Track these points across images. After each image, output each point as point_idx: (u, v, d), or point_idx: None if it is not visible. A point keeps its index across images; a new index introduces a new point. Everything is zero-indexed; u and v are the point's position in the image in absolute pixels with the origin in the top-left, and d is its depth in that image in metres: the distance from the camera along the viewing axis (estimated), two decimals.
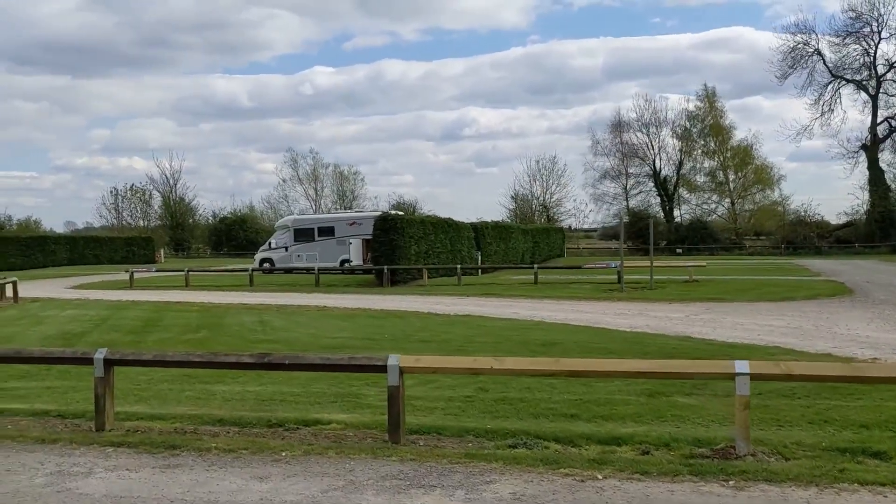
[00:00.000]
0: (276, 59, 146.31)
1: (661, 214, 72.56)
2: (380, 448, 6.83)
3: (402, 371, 7.17)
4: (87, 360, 7.63)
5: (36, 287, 30.50)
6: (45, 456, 6.57)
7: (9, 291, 24.13)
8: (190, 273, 32.88)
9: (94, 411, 7.56)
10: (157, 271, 39.52)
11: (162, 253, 67.24)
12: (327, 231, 40.83)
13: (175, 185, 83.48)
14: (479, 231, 40.73)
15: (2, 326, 16.86)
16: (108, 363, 7.59)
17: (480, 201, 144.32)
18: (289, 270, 39.59)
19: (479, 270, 37.11)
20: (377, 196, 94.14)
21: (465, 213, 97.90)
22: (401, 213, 39.95)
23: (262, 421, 8.04)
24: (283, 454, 6.64)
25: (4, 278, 24.67)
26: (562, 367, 6.85)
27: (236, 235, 76.72)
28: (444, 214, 41.75)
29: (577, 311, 19.86)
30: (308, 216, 52.43)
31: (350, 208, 74.65)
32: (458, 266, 32.48)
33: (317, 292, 28.39)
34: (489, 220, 48.77)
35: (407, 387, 7.55)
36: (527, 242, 49.43)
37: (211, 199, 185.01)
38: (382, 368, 7.23)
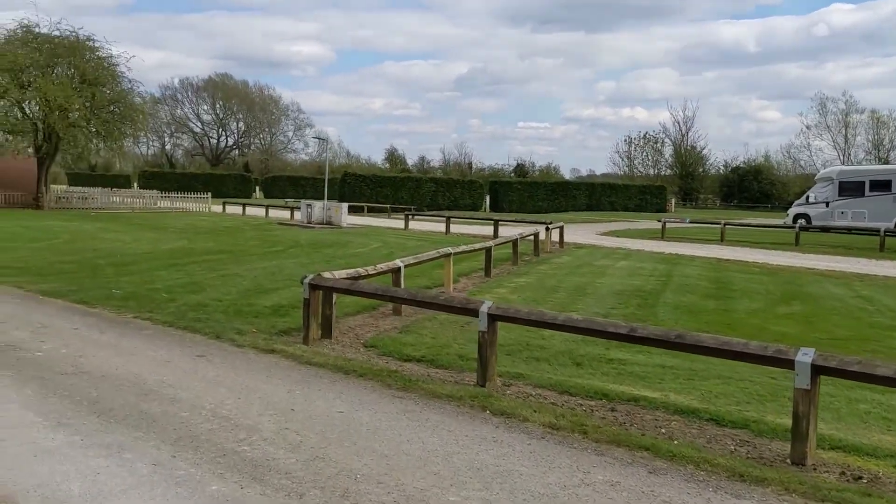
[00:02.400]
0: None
1: None
2: None
3: None
4: (784, 362, 5.33)
5: (568, 231, 30.95)
6: None
7: (555, 236, 24.35)
8: (726, 226, 30.21)
9: (792, 437, 5.26)
10: (690, 222, 37.62)
11: (672, 202, 66.04)
12: (883, 185, 34.27)
13: (686, 133, 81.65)
14: None
15: (566, 275, 16.21)
16: (816, 370, 5.18)
17: None
18: (826, 229, 34.21)
19: None
20: None
21: None
22: None
23: None
24: None
25: (551, 223, 24.94)
26: None
27: (748, 187, 71.95)
28: None
29: None
30: (858, 167, 45.43)
31: (887, 160, 64.08)
32: None
33: (885, 259, 23.38)
34: None
35: None
36: None
37: (708, 147, 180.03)
38: None
